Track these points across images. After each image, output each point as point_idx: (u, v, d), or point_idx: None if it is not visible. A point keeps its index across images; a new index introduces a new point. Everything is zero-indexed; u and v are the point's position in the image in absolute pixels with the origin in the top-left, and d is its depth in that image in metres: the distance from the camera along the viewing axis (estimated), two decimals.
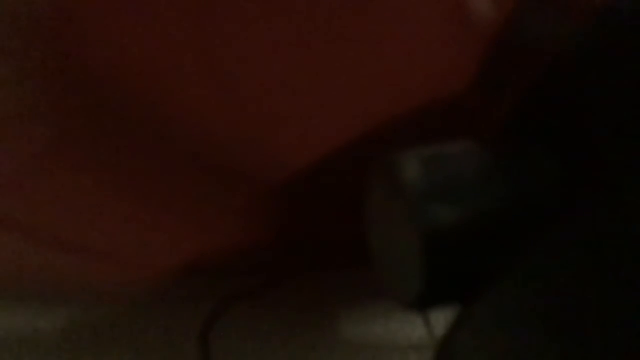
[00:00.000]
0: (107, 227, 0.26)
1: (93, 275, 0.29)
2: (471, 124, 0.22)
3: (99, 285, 0.31)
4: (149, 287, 0.31)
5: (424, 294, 0.17)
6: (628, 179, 0.14)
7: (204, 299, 0.33)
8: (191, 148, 0.23)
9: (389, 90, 0.22)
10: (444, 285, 0.16)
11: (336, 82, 0.22)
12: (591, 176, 0.15)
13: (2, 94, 0.24)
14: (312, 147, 0.22)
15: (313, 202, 0.25)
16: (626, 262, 0.13)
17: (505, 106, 0.19)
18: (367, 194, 0.18)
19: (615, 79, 0.16)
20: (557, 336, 0.13)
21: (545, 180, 0.16)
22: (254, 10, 0.22)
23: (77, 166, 0.23)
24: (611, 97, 0.16)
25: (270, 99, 0.22)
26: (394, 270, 0.17)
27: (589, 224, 0.14)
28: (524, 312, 0.15)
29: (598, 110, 0.16)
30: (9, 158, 0.25)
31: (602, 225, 0.14)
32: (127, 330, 0.33)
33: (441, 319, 0.32)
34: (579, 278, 0.14)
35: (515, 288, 0.15)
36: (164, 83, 0.21)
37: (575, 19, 0.21)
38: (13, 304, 0.33)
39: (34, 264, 0.29)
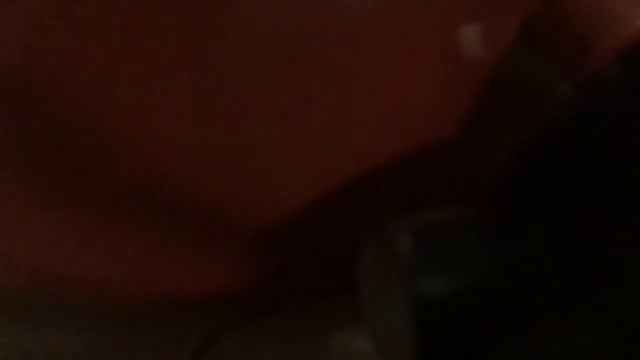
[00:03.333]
0: (98, 262, 0.27)
1: (80, 304, 0.29)
2: (462, 173, 0.22)
3: (87, 317, 0.31)
4: (141, 315, 0.31)
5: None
6: (628, 266, 0.15)
7: (195, 327, 0.33)
8: (176, 195, 0.23)
9: (379, 134, 0.23)
10: (433, 355, 0.17)
11: (325, 128, 0.22)
12: (586, 253, 0.16)
13: None
14: (297, 192, 0.23)
15: (298, 246, 0.26)
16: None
17: (497, 159, 0.20)
18: (360, 257, 0.18)
19: (613, 151, 0.16)
20: None
21: (539, 253, 0.17)
22: (247, 56, 0.22)
23: (61, 214, 0.24)
24: (608, 170, 0.16)
25: (257, 146, 0.22)
26: (384, 334, 0.18)
27: (588, 308, 0.15)
28: None
29: (595, 182, 0.16)
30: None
31: (602, 313, 0.15)
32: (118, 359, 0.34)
33: None
34: None
35: None
36: (149, 129, 0.22)
37: (568, 69, 0.21)
38: (4, 325, 0.33)
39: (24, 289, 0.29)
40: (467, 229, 0.17)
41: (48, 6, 0.20)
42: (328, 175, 0.23)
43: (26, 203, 0.25)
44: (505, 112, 0.22)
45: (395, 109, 0.23)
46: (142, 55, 0.21)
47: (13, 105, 0.22)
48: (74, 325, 0.34)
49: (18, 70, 0.21)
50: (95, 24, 0.20)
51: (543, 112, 0.18)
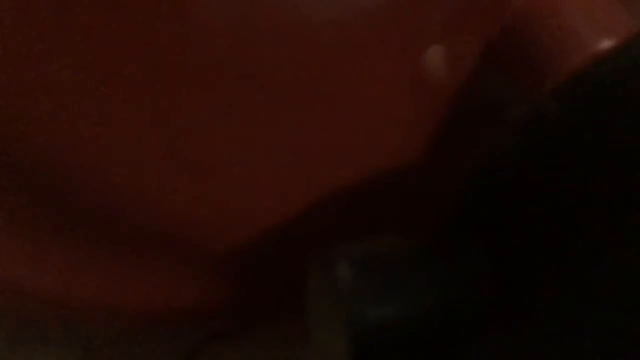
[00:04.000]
0: (70, 283, 0.27)
1: (64, 321, 0.30)
2: (425, 198, 0.22)
3: (72, 333, 0.31)
4: (126, 328, 0.31)
5: None
6: (543, 299, 0.15)
7: (181, 340, 0.33)
8: (144, 221, 0.23)
9: (345, 153, 0.23)
10: None
11: (289, 147, 0.22)
12: (515, 288, 0.16)
13: None
14: (266, 211, 0.23)
15: (266, 269, 0.26)
16: None
17: (452, 189, 0.20)
18: (307, 282, 0.19)
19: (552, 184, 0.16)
20: None
21: (474, 285, 0.17)
22: (213, 78, 0.22)
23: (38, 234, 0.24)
24: (543, 205, 0.16)
25: (224, 167, 0.22)
26: (325, 357, 0.18)
27: (507, 340, 0.15)
28: None
29: (529, 218, 0.16)
30: None
31: (517, 343, 0.15)
32: None
33: None
34: None
35: None
36: (112, 155, 0.22)
37: (526, 95, 0.21)
38: None
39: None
40: (408, 259, 0.17)
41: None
42: (292, 195, 0.24)
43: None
44: (470, 136, 0.22)
45: (361, 130, 0.23)
46: (102, 80, 0.21)
47: None
48: (63, 343, 0.34)
49: None
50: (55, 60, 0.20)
51: (493, 137, 0.19)
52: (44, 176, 0.22)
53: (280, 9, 0.22)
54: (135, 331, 0.33)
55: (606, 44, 0.19)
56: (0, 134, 0.21)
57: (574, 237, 0.15)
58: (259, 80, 0.22)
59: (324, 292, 0.17)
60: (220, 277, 0.26)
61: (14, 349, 0.33)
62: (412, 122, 0.23)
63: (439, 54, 0.24)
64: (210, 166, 0.22)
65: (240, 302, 0.28)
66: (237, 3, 0.21)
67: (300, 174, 0.23)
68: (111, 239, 0.25)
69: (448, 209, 0.18)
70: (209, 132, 0.22)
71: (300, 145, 0.22)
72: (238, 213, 0.23)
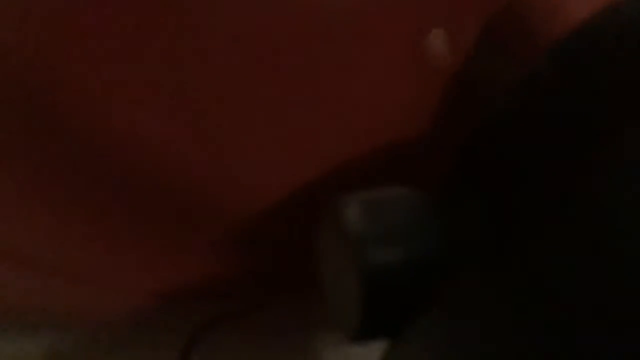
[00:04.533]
0: (87, 253, 0.28)
1: (74, 300, 0.31)
2: (422, 167, 0.23)
3: (80, 313, 0.32)
4: (128, 313, 0.32)
5: (360, 326, 0.18)
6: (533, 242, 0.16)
7: (183, 324, 0.34)
8: (161, 186, 0.24)
9: (351, 130, 0.24)
10: (378, 319, 0.18)
11: (299, 123, 0.24)
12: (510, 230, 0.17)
13: None
14: (276, 184, 0.24)
15: (278, 237, 0.27)
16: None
17: (451, 152, 0.21)
18: (318, 232, 0.20)
19: (538, 140, 0.18)
20: None
21: (472, 228, 0.18)
22: (225, 54, 0.23)
23: (55, 201, 0.25)
24: (534, 156, 0.18)
25: (236, 140, 0.23)
26: (338, 302, 0.19)
27: (500, 271, 0.16)
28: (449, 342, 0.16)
29: (522, 167, 0.18)
30: None
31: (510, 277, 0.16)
32: (106, 357, 0.34)
33: None
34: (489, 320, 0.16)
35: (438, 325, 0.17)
36: (135, 124, 0.23)
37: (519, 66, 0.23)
38: None
39: (18, 290, 0.31)
40: (413, 206, 0.18)
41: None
42: (298, 172, 0.25)
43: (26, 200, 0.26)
44: (470, 110, 0.24)
45: (365, 106, 0.24)
46: (131, 56, 0.22)
47: (15, 102, 0.23)
48: (63, 329, 0.35)
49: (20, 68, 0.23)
50: (93, 30, 0.22)
51: (491, 106, 0.20)
52: (68, 138, 0.23)
53: None
54: (142, 314, 0.34)
55: None
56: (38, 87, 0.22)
57: (560, 186, 0.16)
58: (271, 59, 0.23)
59: (336, 236, 0.18)
60: (231, 251, 0.27)
61: None
62: (414, 99, 0.24)
63: (440, 37, 0.25)
64: (226, 141, 0.24)
65: (249, 276, 0.29)
66: None
67: (309, 148, 0.24)
68: (125, 209, 0.26)
69: (451, 168, 0.19)
70: (224, 108, 0.23)
71: (310, 120, 0.24)
72: (249, 187, 0.25)
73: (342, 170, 0.23)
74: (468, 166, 0.19)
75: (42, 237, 0.28)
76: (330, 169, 0.23)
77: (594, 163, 0.14)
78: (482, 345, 0.15)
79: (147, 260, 0.29)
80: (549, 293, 0.15)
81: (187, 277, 0.29)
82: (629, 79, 0.16)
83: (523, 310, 0.15)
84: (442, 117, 0.23)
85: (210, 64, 0.23)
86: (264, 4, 0.23)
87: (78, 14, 0.22)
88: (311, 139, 0.23)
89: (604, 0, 0.20)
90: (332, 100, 0.24)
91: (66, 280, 0.30)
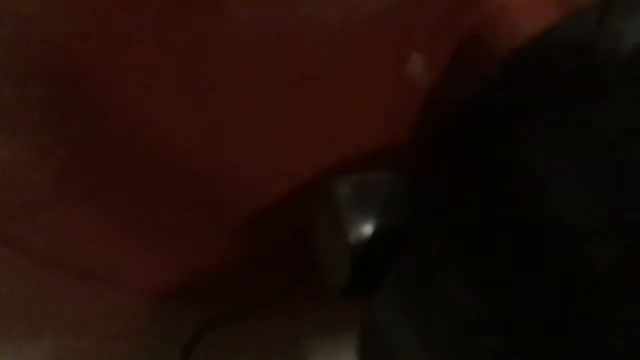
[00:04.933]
0: (91, 247, 0.31)
1: (75, 298, 0.33)
2: (401, 159, 0.27)
3: (85, 314, 0.34)
4: (131, 314, 0.35)
5: (348, 283, 0.22)
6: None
7: (184, 324, 0.36)
8: (164, 178, 0.28)
9: (341, 132, 0.28)
10: (361, 276, 0.22)
11: (296, 123, 0.28)
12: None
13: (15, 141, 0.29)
14: (276, 181, 0.28)
15: (279, 230, 0.30)
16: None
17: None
18: (313, 208, 0.24)
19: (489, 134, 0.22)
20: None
21: (436, 203, 0.22)
22: (238, 68, 0.27)
23: (77, 199, 0.28)
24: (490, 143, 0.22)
25: (237, 135, 0.27)
26: (329, 265, 0.23)
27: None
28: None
29: (471, 149, 0.22)
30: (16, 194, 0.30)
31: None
32: (113, 353, 0.36)
33: None
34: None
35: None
36: (157, 123, 0.27)
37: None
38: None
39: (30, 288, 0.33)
40: (392, 186, 0.23)
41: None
42: (297, 169, 0.29)
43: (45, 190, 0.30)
44: (441, 117, 0.28)
45: (354, 113, 0.28)
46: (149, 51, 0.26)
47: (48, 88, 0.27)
48: (68, 333, 0.37)
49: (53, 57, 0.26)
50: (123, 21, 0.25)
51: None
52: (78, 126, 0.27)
53: (294, 13, 0.27)
54: (144, 313, 0.36)
55: None
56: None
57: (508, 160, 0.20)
58: (273, 71, 0.27)
59: (328, 209, 0.22)
60: (231, 245, 0.30)
61: None
62: (395, 109, 0.28)
63: (420, 61, 0.29)
64: (228, 135, 0.27)
65: (250, 272, 0.32)
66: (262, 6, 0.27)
67: (305, 145, 0.28)
68: (128, 202, 0.29)
69: (423, 157, 0.23)
70: (226, 104, 0.27)
71: (306, 121, 0.28)
72: (249, 181, 0.28)
73: (334, 165, 0.27)
74: (435, 155, 0.23)
75: (46, 231, 0.31)
76: (323, 164, 0.27)
77: (524, 135, 0.19)
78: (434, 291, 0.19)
79: (150, 254, 0.31)
80: (486, 244, 0.19)
81: (188, 272, 0.32)
82: (551, 80, 0.21)
83: (463, 261, 0.19)
84: (418, 121, 0.27)
85: (215, 61, 0.27)
86: (271, 17, 0.27)
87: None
88: (306, 137, 0.27)
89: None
90: (325, 106, 0.28)
91: (68, 276, 0.33)
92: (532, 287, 0.17)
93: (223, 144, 0.28)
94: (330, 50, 0.28)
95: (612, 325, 0.17)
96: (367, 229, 0.22)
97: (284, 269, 0.33)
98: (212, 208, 0.29)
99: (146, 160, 0.28)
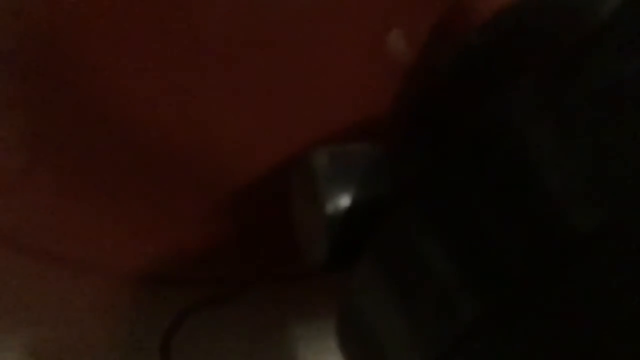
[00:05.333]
0: (71, 233, 0.30)
1: (54, 283, 0.32)
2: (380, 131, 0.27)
3: (63, 302, 0.34)
4: (110, 301, 0.34)
5: (326, 257, 0.22)
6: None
7: (164, 310, 0.36)
8: (152, 156, 0.27)
9: (325, 106, 0.28)
10: (340, 249, 0.22)
11: (279, 99, 0.27)
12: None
13: None
14: (257, 156, 0.28)
15: (260, 207, 0.30)
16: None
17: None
18: (292, 181, 0.23)
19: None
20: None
21: (416, 171, 0.21)
22: (216, 36, 0.27)
23: (50, 178, 0.28)
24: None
25: (224, 112, 0.27)
26: (307, 240, 0.23)
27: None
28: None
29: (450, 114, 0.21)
30: None
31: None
32: (90, 346, 0.36)
33: None
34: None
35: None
36: (134, 91, 0.26)
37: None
38: None
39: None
40: (370, 157, 0.22)
41: None
42: (278, 145, 0.28)
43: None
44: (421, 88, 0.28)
45: (336, 88, 0.28)
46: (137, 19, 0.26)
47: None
48: (48, 321, 0.36)
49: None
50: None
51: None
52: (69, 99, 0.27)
53: None
54: (126, 298, 0.36)
55: None
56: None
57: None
58: (256, 36, 0.27)
59: (305, 180, 0.22)
60: (215, 222, 0.30)
61: None
62: (377, 82, 0.28)
63: (400, 35, 0.29)
64: (212, 110, 0.27)
65: (234, 249, 0.32)
66: None
67: (289, 120, 0.27)
68: (113, 180, 0.29)
69: (404, 128, 0.23)
70: (210, 78, 0.27)
71: (290, 96, 0.27)
72: (240, 151, 0.28)
73: (315, 140, 0.26)
74: (416, 124, 0.23)
75: (17, 213, 0.30)
76: (305, 138, 0.26)
77: (506, 97, 0.18)
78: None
79: (127, 235, 0.31)
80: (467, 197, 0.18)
81: (167, 255, 0.32)
82: (533, 42, 0.20)
83: (444, 227, 0.19)
84: (399, 94, 0.27)
85: (196, 30, 0.27)
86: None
87: None
88: (287, 111, 0.27)
89: None
90: (306, 78, 0.28)
91: (45, 264, 0.33)
92: (514, 248, 0.17)
93: (204, 116, 0.27)
94: (311, 22, 0.28)
95: (594, 288, 0.17)
96: (345, 200, 0.21)
97: (264, 251, 0.32)
98: (192, 185, 0.29)
99: (123, 133, 0.27)
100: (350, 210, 0.21)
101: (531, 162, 0.17)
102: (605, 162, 0.17)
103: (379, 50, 0.29)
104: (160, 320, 0.36)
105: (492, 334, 0.18)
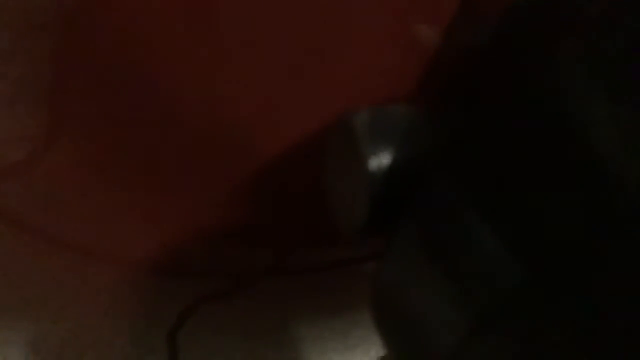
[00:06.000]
0: (82, 218, 0.30)
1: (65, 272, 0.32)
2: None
3: (66, 297, 0.33)
4: (114, 294, 0.34)
5: (366, 217, 0.22)
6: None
7: (172, 300, 0.36)
8: (174, 135, 0.27)
9: (354, 85, 0.28)
10: (380, 209, 0.22)
11: (307, 77, 0.27)
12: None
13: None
14: (284, 137, 0.27)
15: (272, 195, 0.30)
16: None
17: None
18: (327, 145, 0.23)
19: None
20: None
21: (454, 134, 0.22)
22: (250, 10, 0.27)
23: (67, 160, 0.28)
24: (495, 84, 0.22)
25: (249, 91, 0.27)
26: (344, 203, 0.23)
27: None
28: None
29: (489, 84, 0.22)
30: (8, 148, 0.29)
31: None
32: (94, 339, 0.36)
33: None
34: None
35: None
36: (159, 55, 0.26)
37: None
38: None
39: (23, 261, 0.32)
40: (410, 118, 0.22)
41: None
42: (306, 126, 0.28)
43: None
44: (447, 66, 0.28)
45: (365, 67, 0.28)
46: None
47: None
48: (51, 314, 0.36)
49: None
50: None
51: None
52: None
53: None
54: (135, 289, 0.36)
55: None
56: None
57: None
58: (287, 29, 0.27)
59: (345, 140, 0.22)
60: (226, 208, 0.30)
61: None
62: (403, 64, 0.28)
63: (425, 20, 0.29)
64: (247, 86, 0.27)
65: (239, 245, 0.31)
66: None
67: (320, 99, 0.27)
68: (151, 154, 0.28)
69: (439, 93, 0.23)
70: (249, 54, 0.27)
71: (322, 74, 0.27)
72: (266, 131, 0.28)
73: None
74: (451, 92, 0.23)
75: (31, 196, 0.30)
76: (329, 118, 0.26)
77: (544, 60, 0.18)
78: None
79: (136, 223, 0.31)
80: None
81: (174, 247, 0.32)
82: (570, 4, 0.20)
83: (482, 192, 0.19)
84: (426, 74, 0.27)
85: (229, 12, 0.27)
86: None
87: None
88: (314, 89, 0.27)
89: None
90: (339, 61, 0.28)
91: (47, 257, 0.33)
92: (556, 210, 0.17)
93: (230, 92, 0.27)
94: (344, 8, 0.28)
95: None
96: (387, 158, 0.21)
97: (269, 245, 0.32)
98: (213, 166, 0.29)
99: (146, 107, 0.27)
100: (392, 168, 0.21)
101: (583, 124, 0.17)
102: None
103: (404, 34, 0.29)
104: (164, 314, 0.36)
105: (532, 303, 0.18)
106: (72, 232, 0.33)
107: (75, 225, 0.32)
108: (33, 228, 0.32)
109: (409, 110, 0.22)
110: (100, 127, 0.28)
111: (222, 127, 0.28)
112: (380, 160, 0.21)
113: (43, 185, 0.31)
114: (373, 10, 0.28)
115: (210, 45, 0.27)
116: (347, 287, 0.39)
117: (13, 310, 0.36)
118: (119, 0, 0.26)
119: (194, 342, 0.36)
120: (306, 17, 0.27)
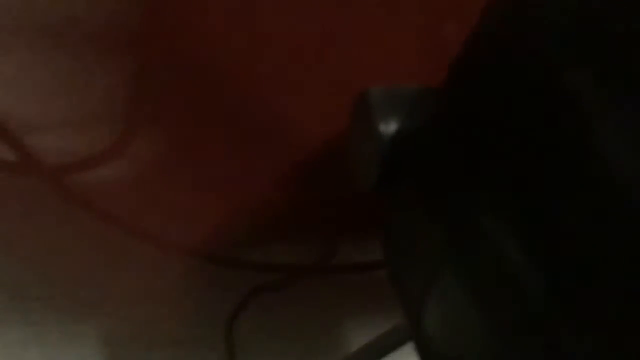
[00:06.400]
0: (153, 206, 0.34)
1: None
2: None
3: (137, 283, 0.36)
4: (176, 283, 0.36)
5: (376, 176, 0.25)
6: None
7: (229, 291, 0.39)
8: (239, 116, 0.31)
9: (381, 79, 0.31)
10: (389, 169, 0.25)
11: (346, 70, 0.31)
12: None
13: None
14: (324, 114, 0.31)
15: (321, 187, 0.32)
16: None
17: None
18: (351, 115, 0.26)
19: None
20: None
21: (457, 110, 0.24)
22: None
23: (143, 153, 0.31)
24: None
25: (290, 73, 0.30)
26: (361, 165, 0.26)
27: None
28: None
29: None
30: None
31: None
32: (160, 323, 0.38)
33: None
34: None
35: None
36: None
37: None
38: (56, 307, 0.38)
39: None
40: (422, 95, 0.25)
41: None
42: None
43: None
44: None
45: (390, 60, 0.31)
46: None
47: None
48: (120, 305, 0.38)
49: None
50: None
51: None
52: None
53: None
54: (195, 277, 0.38)
55: None
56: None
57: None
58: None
59: (360, 110, 0.25)
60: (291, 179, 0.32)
61: None
62: (430, 63, 0.31)
63: (453, 27, 0.32)
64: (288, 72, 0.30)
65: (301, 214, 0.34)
66: None
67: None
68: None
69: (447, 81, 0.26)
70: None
71: (354, 69, 0.31)
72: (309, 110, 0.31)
73: None
74: (459, 76, 0.26)
75: (108, 185, 0.33)
76: None
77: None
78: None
79: (203, 212, 0.34)
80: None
81: (234, 238, 0.34)
82: None
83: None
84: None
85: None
86: None
87: None
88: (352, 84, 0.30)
89: None
90: (370, 61, 0.31)
91: (115, 250, 0.35)
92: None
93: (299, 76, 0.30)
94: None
95: None
96: (394, 125, 0.24)
97: (318, 241, 0.35)
98: (274, 148, 0.32)
99: (216, 96, 0.31)
100: (398, 132, 0.24)
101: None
102: None
103: (431, 38, 0.32)
104: (224, 301, 0.38)
105: None
106: (148, 222, 0.35)
107: (152, 217, 0.35)
108: (114, 217, 0.34)
109: (419, 89, 0.25)
110: (176, 120, 0.32)
111: (278, 122, 0.31)
112: (388, 126, 0.24)
113: (120, 177, 0.34)
114: (406, 20, 0.32)
115: (266, 60, 0.30)
116: None
117: (86, 305, 0.39)
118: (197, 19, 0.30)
119: (250, 332, 0.39)
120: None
